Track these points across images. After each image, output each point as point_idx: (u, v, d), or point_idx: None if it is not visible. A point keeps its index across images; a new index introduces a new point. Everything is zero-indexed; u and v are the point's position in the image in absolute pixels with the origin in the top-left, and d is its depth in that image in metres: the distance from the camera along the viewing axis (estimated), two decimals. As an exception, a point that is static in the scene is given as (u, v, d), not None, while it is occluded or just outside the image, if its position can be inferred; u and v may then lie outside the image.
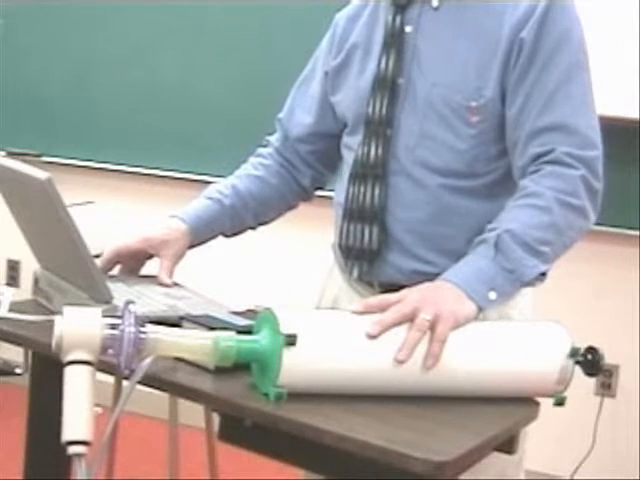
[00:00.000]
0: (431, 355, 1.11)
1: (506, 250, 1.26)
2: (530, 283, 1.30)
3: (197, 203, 1.59)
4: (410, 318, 1.13)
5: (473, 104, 1.38)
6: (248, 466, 2.66)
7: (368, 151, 1.45)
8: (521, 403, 1.19)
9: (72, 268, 1.32)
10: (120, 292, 1.35)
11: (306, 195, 1.70)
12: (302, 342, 1.06)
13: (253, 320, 1.15)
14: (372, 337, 1.10)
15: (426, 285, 1.22)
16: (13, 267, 3.70)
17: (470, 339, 1.16)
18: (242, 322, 1.20)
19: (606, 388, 2.86)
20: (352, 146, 1.50)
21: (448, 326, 1.13)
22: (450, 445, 1.00)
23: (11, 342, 1.32)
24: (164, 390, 1.17)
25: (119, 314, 1.04)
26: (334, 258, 1.59)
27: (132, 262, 1.52)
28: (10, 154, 3.35)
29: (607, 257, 2.84)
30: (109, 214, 3.28)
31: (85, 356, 1.01)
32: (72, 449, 0.97)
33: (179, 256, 1.52)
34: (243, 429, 1.11)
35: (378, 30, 1.48)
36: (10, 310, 1.35)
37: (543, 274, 1.30)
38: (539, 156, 1.34)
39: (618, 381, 2.86)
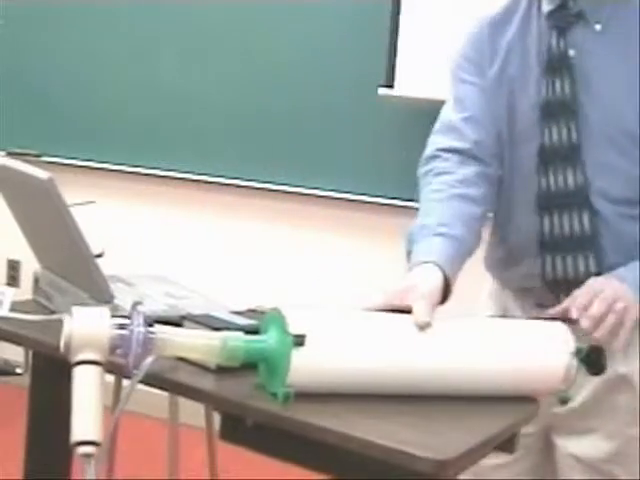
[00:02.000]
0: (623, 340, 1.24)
1: None
2: None
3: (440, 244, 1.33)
4: (611, 306, 1.23)
5: None
6: (249, 466, 2.65)
7: (564, 180, 1.40)
8: (521, 402, 1.19)
9: (73, 268, 1.32)
10: (120, 292, 1.35)
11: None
12: (310, 342, 1.06)
13: (254, 320, 1.15)
14: (589, 331, 1.21)
15: (609, 280, 1.30)
16: (13, 267, 3.70)
17: (476, 338, 1.16)
18: (243, 322, 1.20)
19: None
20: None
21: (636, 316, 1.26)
22: (452, 444, 1.00)
23: (11, 342, 1.32)
24: (166, 389, 1.17)
25: (125, 314, 1.04)
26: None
27: None
28: (10, 154, 3.35)
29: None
30: (110, 214, 3.28)
31: (94, 356, 1.00)
32: (82, 449, 0.96)
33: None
34: (244, 428, 1.11)
35: (531, 41, 1.44)
36: (11, 310, 1.35)
37: None
38: None
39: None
